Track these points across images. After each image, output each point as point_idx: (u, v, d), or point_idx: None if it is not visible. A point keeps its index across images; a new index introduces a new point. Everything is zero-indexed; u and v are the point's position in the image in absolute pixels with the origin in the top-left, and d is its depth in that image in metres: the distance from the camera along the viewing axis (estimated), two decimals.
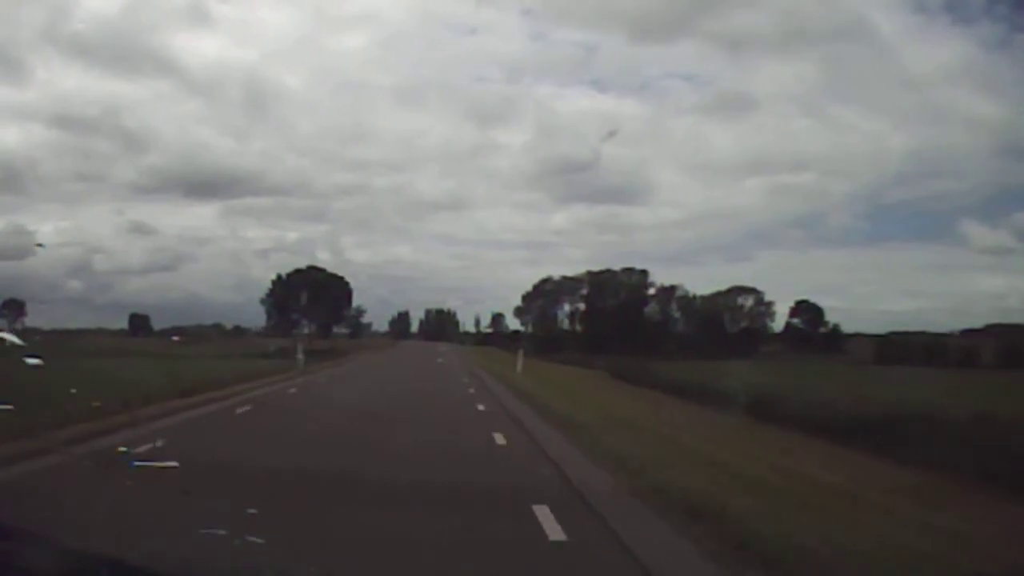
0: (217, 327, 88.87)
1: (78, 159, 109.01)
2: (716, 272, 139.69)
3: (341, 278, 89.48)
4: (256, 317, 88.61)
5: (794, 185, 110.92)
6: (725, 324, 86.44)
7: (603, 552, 5.65)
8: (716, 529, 5.84)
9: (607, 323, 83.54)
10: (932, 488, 9.17)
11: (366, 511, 6.38)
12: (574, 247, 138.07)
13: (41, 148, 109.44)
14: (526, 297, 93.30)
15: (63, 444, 8.54)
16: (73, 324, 75.66)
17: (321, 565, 4.81)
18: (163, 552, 3.56)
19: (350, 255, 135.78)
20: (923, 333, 73.29)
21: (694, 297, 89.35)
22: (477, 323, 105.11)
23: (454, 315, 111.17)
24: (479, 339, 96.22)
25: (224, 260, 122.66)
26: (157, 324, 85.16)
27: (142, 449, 7.27)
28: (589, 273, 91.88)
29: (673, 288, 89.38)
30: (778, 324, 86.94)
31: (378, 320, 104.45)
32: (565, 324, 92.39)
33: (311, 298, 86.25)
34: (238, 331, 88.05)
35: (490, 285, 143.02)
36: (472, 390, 23.41)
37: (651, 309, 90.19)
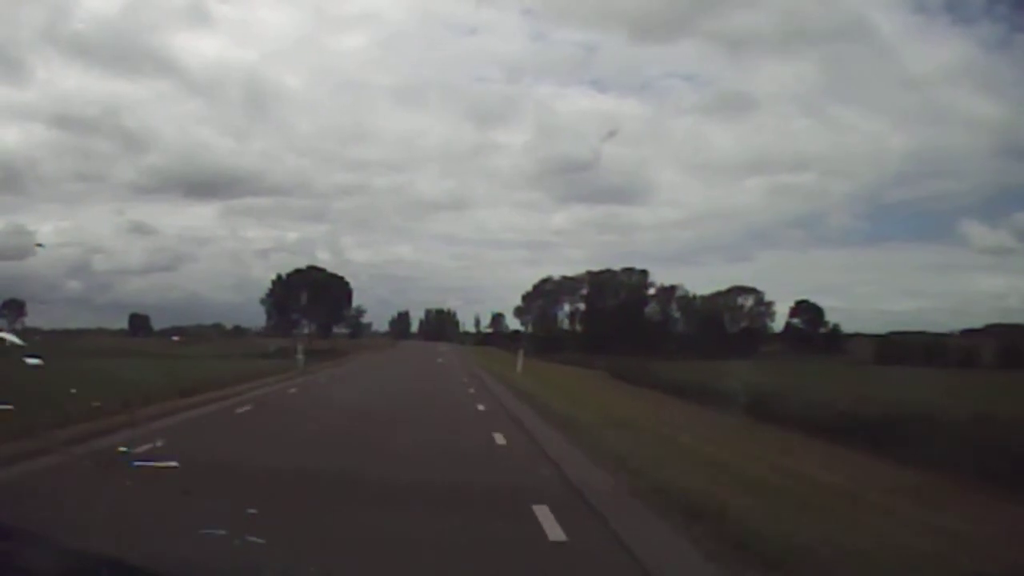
0: (217, 327, 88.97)
1: (78, 159, 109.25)
2: (716, 272, 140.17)
3: (341, 278, 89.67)
4: (256, 317, 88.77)
5: (794, 185, 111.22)
6: (725, 324, 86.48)
7: (603, 552, 5.65)
8: (715, 529, 5.84)
9: (607, 323, 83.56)
10: (932, 488, 9.18)
11: (366, 511, 6.37)
12: (574, 247, 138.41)
13: (41, 148, 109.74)
14: (526, 297, 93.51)
15: (63, 444, 8.54)
16: (73, 324, 75.76)
17: (321, 565, 4.81)
18: (163, 552, 3.56)
19: (350, 255, 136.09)
20: (923, 333, 73.37)
21: (694, 297, 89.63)
22: (477, 323, 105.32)
23: (454, 315, 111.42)
24: (479, 339, 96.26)
25: (224, 260, 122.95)
26: (157, 324, 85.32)
27: (141, 449, 7.26)
28: (589, 273, 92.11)
29: (673, 288, 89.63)
30: (778, 324, 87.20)
31: (378, 320, 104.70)
32: (565, 324, 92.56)
33: (311, 298, 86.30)
34: (238, 331, 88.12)
35: (490, 285, 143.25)
36: (472, 390, 23.25)
37: (651, 309, 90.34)
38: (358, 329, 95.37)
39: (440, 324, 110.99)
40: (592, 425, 13.04)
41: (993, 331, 69.34)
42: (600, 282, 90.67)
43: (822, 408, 16.04)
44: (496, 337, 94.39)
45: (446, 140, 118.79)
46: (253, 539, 3.60)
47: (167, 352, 43.35)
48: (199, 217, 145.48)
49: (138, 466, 5.70)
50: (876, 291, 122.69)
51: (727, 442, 12.07)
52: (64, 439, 8.94)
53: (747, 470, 8.98)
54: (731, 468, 9.01)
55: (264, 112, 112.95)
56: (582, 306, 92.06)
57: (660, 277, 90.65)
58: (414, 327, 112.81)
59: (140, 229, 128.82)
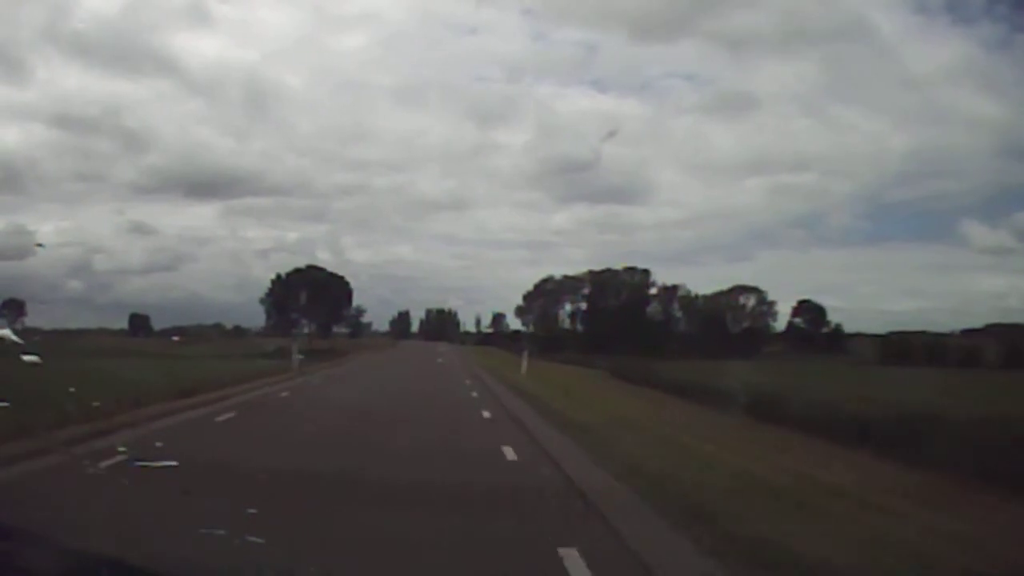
0: (217, 327, 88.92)
1: (78, 159, 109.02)
2: (717, 272, 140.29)
3: (341, 277, 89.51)
4: (256, 317, 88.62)
5: (795, 185, 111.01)
6: (727, 324, 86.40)
7: None
8: (764, 559, 5.34)
9: (609, 323, 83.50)
10: (945, 489, 9.13)
11: (359, 531, 5.81)
12: (574, 247, 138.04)
13: (41, 148, 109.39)
14: (527, 297, 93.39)
15: (62, 444, 8.54)
16: (73, 324, 75.63)
17: (321, 566, 4.81)
18: (163, 552, 3.56)
19: (350, 255, 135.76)
20: (923, 333, 73.33)
21: (696, 297, 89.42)
22: (478, 323, 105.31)
23: (455, 315, 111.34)
24: (479, 339, 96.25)
25: (224, 260, 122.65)
26: (157, 324, 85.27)
27: (114, 460, 7.16)
28: (591, 272, 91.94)
29: (675, 288, 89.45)
30: (780, 324, 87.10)
31: (378, 320, 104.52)
32: (566, 324, 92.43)
33: (311, 298, 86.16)
34: (238, 331, 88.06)
35: (491, 285, 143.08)
36: (475, 394, 22.11)
37: (653, 309, 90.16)
38: (358, 329, 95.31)
39: (441, 324, 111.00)
40: (598, 426, 12.72)
41: (993, 331, 69.35)
42: (602, 281, 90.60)
43: (830, 410, 15.87)
44: (496, 337, 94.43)
45: (446, 140, 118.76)
46: (253, 539, 3.60)
47: (165, 352, 43.22)
48: (199, 217, 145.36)
49: (107, 468, 5.68)
50: (876, 291, 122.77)
51: (765, 454, 10.99)
52: (63, 438, 8.95)
53: (797, 494, 7.69)
54: (768, 485, 8.13)
55: (264, 112, 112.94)
56: (583, 306, 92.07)
57: (661, 277, 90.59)
58: (415, 327, 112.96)
59: (140, 229, 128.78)
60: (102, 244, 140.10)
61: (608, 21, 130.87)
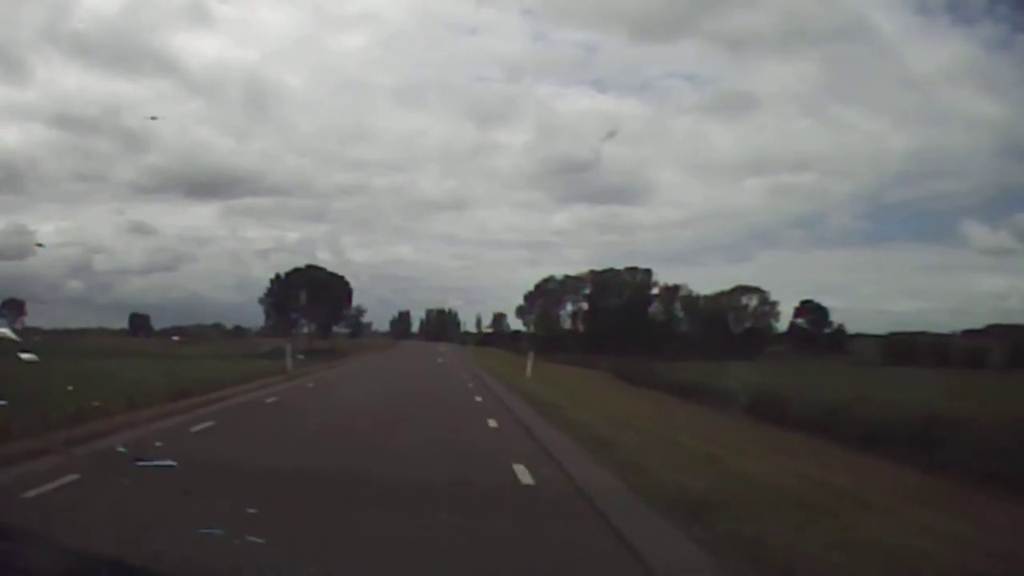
0: (217, 327, 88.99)
1: (78, 159, 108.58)
2: (717, 272, 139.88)
3: (341, 277, 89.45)
4: (257, 317, 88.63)
5: (795, 185, 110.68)
6: (729, 324, 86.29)
7: None
8: None
9: (610, 323, 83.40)
10: (959, 492, 9.09)
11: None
12: (575, 247, 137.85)
13: (41, 148, 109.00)
14: (528, 297, 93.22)
15: (62, 443, 8.55)
16: (73, 324, 75.74)
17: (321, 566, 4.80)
18: (163, 552, 3.56)
19: (351, 255, 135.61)
20: (924, 333, 73.25)
21: (698, 297, 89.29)
22: (478, 323, 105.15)
23: (455, 315, 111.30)
24: (480, 339, 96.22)
25: (224, 260, 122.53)
26: (157, 324, 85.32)
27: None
28: (592, 272, 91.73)
29: (677, 288, 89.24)
30: (782, 324, 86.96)
31: (379, 320, 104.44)
32: (567, 324, 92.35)
33: (310, 298, 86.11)
34: (238, 331, 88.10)
35: (491, 285, 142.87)
36: (479, 398, 20.55)
37: (655, 309, 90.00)
38: (358, 329, 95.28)
39: (441, 324, 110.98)
40: (622, 438, 11.38)
41: (994, 332, 69.32)
42: (603, 281, 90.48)
43: (840, 413, 15.78)
44: (496, 337, 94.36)
45: (446, 140, 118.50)
46: (253, 539, 3.61)
47: (165, 352, 43.21)
48: (199, 217, 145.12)
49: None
50: (877, 291, 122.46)
51: (807, 469, 9.85)
52: (63, 438, 8.96)
53: (867, 528, 6.54)
54: (826, 510, 7.11)
55: (264, 112, 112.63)
56: (585, 306, 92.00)
57: (661, 277, 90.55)
58: (415, 327, 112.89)
59: (140, 229, 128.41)
60: (102, 244, 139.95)
61: (608, 21, 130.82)
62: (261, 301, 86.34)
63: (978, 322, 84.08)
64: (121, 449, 7.92)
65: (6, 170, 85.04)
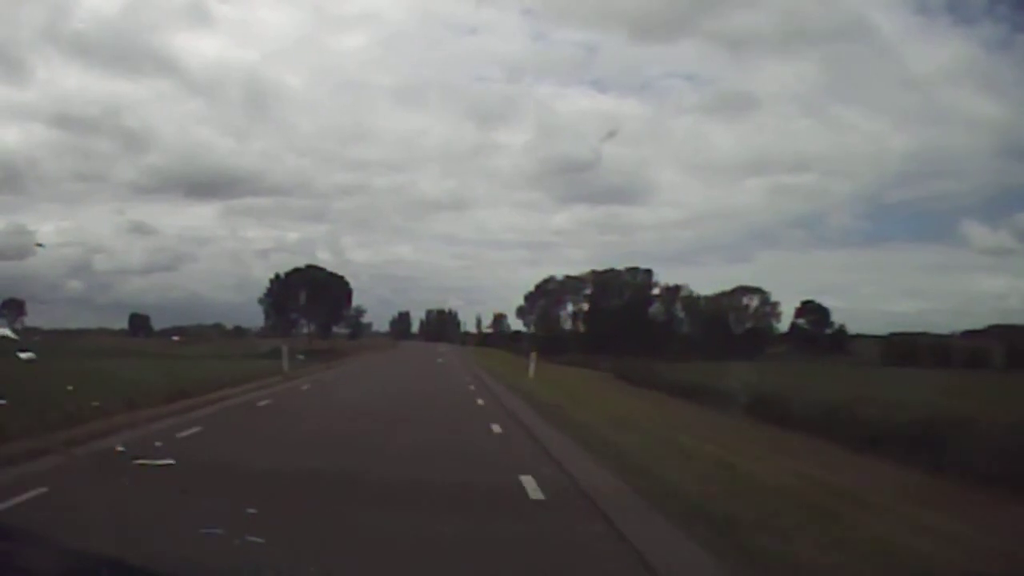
0: (217, 327, 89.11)
1: (78, 159, 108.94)
2: (717, 272, 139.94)
3: (341, 277, 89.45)
4: (257, 317, 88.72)
5: (795, 185, 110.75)
6: (730, 325, 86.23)
7: None
8: None
9: (611, 323, 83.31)
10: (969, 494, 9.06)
11: None
12: (575, 247, 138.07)
13: (41, 148, 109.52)
14: (528, 297, 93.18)
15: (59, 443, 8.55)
16: (74, 324, 75.98)
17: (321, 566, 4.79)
18: (163, 552, 3.56)
19: (351, 255, 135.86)
20: (924, 334, 73.24)
21: (699, 297, 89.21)
22: (479, 323, 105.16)
23: (455, 315, 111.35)
24: (480, 339, 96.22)
25: (224, 260, 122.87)
26: (157, 324, 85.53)
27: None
28: (593, 272, 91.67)
29: (678, 288, 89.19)
30: (783, 325, 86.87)
31: (379, 320, 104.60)
32: (568, 324, 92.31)
33: (310, 298, 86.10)
34: (238, 331, 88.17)
35: (491, 285, 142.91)
36: (481, 401, 19.60)
37: (655, 309, 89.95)
38: (358, 329, 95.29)
39: (441, 324, 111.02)
40: (633, 446, 10.81)
41: (995, 332, 69.30)
42: (604, 282, 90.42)
43: (847, 414, 15.61)
44: (496, 337, 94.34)
45: (446, 140, 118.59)
46: (253, 539, 3.61)
47: (162, 352, 43.12)
48: (199, 217, 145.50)
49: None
50: (877, 292, 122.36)
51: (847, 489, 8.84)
52: (63, 438, 8.96)
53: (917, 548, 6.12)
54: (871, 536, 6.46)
55: (264, 112, 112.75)
56: (585, 306, 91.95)
57: (661, 277, 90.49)
58: (415, 327, 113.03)
59: (140, 229, 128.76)
60: (102, 244, 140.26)
61: (608, 21, 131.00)
62: (260, 301, 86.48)
63: (978, 322, 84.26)
64: (121, 448, 7.94)
65: (6, 170, 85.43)
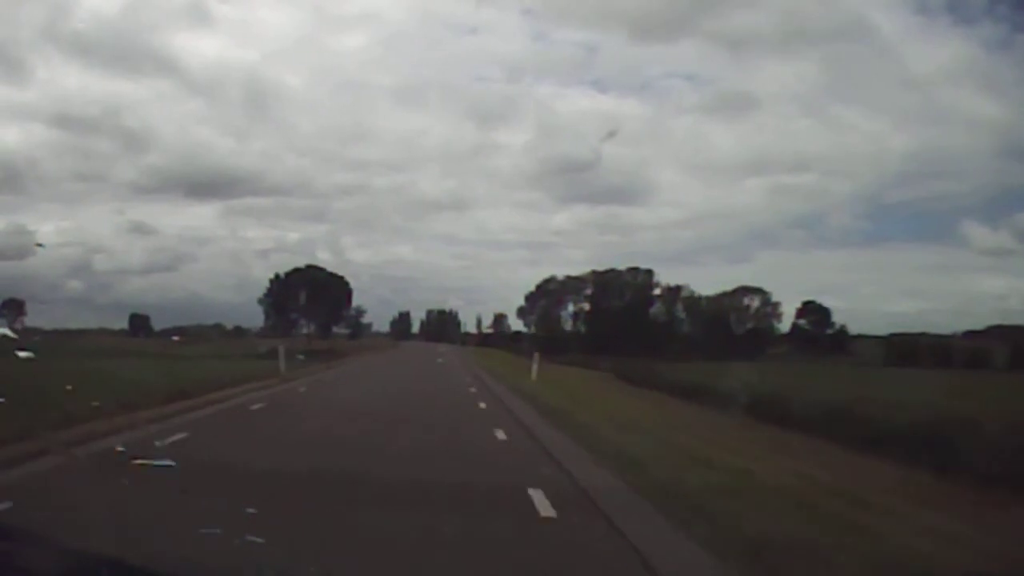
0: (217, 327, 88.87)
1: (78, 159, 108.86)
2: (717, 272, 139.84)
3: (341, 277, 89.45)
4: (257, 317, 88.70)
5: (795, 185, 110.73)
6: (731, 325, 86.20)
7: None
8: None
9: (612, 323, 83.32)
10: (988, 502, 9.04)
11: None
12: (575, 247, 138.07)
13: (41, 148, 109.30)
14: (529, 297, 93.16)
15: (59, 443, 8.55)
16: (73, 324, 75.86)
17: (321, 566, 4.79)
18: (163, 552, 3.56)
19: (351, 255, 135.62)
20: (925, 334, 73.27)
21: (700, 298, 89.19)
22: (479, 324, 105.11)
23: (456, 316, 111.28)
24: (480, 340, 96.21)
25: (224, 260, 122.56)
26: (158, 324, 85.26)
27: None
28: (594, 273, 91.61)
29: (679, 288, 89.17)
30: (784, 325, 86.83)
31: (379, 320, 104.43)
32: (568, 325, 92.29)
33: (310, 298, 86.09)
34: (238, 331, 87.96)
35: (491, 285, 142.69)
36: (483, 404, 18.68)
37: (656, 309, 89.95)
38: (358, 329, 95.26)
39: (441, 324, 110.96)
40: (646, 452, 10.31)
41: (995, 332, 69.32)
42: (605, 282, 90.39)
43: (855, 416, 15.50)
44: (496, 338, 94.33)
45: (446, 140, 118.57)
46: (253, 539, 3.60)
47: (161, 353, 42.92)
48: (199, 217, 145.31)
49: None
50: (877, 292, 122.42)
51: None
52: (63, 438, 8.96)
53: None
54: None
55: (264, 112, 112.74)
56: (586, 306, 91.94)
57: (661, 277, 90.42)
58: (415, 327, 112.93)
59: (140, 229, 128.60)
60: (102, 244, 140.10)
61: (608, 21, 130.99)
62: (260, 301, 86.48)
63: (979, 323, 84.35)
64: (120, 448, 7.92)
65: (6, 170, 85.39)
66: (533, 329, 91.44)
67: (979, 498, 9.56)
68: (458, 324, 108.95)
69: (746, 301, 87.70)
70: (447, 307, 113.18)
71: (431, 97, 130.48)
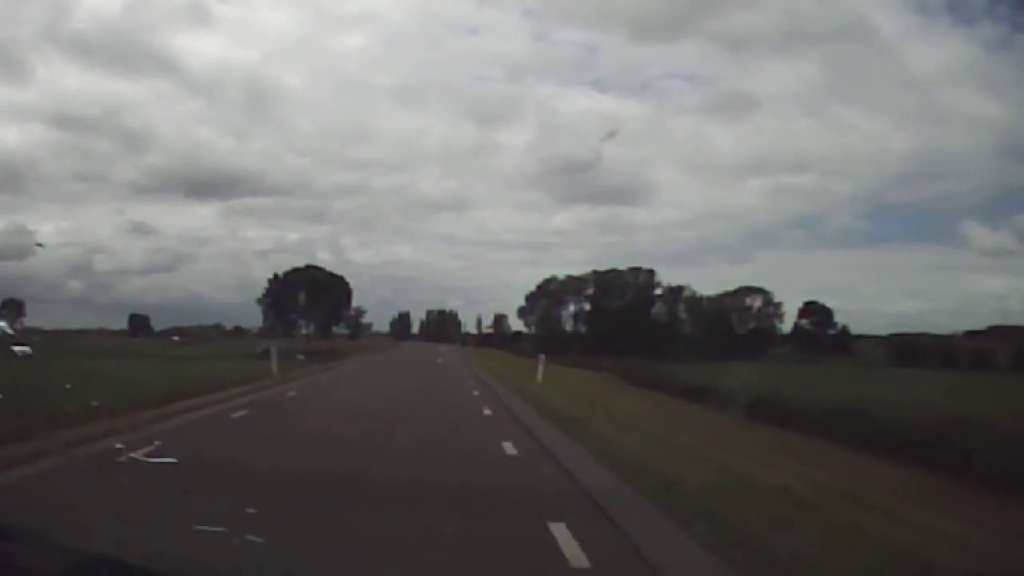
0: (217, 328, 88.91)
1: (78, 159, 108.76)
2: (717, 272, 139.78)
3: (340, 277, 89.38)
4: (258, 317, 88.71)
5: (795, 185, 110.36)
6: (733, 325, 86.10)
7: None
8: None
9: (613, 324, 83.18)
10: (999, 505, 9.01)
11: None
12: (575, 248, 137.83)
13: (41, 148, 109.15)
14: (529, 297, 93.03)
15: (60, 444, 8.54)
16: (73, 324, 75.88)
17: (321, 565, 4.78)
18: (163, 551, 3.55)
19: (351, 255, 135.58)
20: (925, 335, 73.22)
21: (701, 298, 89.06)
22: (479, 324, 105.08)
23: (456, 316, 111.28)
24: (480, 340, 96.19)
25: (224, 260, 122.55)
26: (158, 324, 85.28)
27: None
28: (595, 273, 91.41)
29: (680, 288, 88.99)
30: (786, 325, 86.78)
31: (379, 321, 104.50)
32: (569, 325, 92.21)
33: (310, 298, 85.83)
34: (238, 331, 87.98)
35: (491, 286, 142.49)
36: (488, 411, 17.13)
37: (658, 310, 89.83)
38: (358, 330, 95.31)
39: (441, 325, 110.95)
40: (653, 460, 9.50)
41: (996, 333, 69.27)
42: (606, 282, 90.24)
43: (864, 419, 15.40)
44: (496, 338, 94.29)
45: (447, 140, 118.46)
46: (253, 538, 3.60)
47: (159, 353, 42.86)
48: (199, 217, 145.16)
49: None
50: (877, 292, 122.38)
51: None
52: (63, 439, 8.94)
53: None
54: None
55: (264, 112, 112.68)
56: (587, 306, 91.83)
57: (662, 278, 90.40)
58: (415, 328, 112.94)
59: (140, 229, 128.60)
60: (102, 244, 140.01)
61: (608, 21, 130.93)
62: (259, 301, 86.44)
63: (979, 323, 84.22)
64: (120, 447, 7.89)
65: (6, 170, 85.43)
66: (533, 329, 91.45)
67: (982, 499, 9.56)
68: (458, 324, 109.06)
69: (748, 301, 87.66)
70: (447, 307, 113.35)
71: (431, 97, 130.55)
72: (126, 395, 13.32)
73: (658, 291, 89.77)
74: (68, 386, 11.57)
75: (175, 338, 69.56)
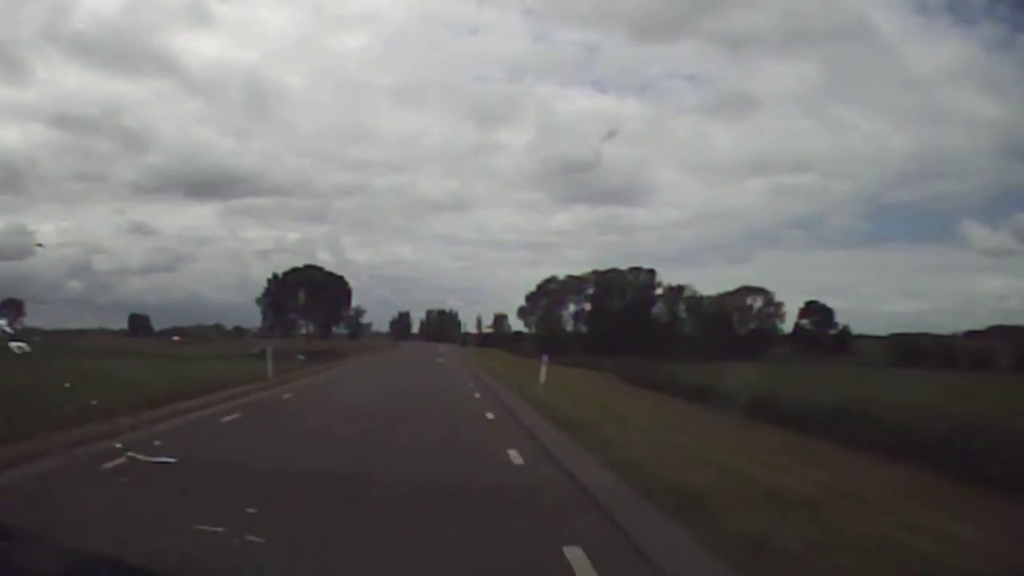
0: (217, 328, 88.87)
1: (78, 159, 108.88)
2: (717, 272, 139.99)
3: (340, 277, 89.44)
4: (258, 317, 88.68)
5: (795, 185, 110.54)
6: (734, 325, 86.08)
7: None
8: None
9: (613, 324, 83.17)
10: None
11: None
12: (575, 248, 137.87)
13: (41, 148, 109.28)
14: (530, 297, 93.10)
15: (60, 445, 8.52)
16: (73, 324, 75.64)
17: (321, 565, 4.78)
18: (163, 551, 3.55)
19: (351, 255, 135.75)
20: (925, 335, 73.21)
21: (702, 298, 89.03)
22: (479, 324, 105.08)
23: (456, 316, 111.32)
24: (480, 340, 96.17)
25: (224, 260, 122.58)
26: (157, 324, 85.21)
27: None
28: (595, 273, 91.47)
29: (681, 288, 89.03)
30: (787, 325, 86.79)
31: (379, 320, 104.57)
32: (569, 325, 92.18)
33: (309, 298, 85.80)
34: (238, 331, 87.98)
35: (491, 286, 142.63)
36: (491, 415, 16.31)
37: (658, 310, 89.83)
38: (358, 330, 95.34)
39: (441, 325, 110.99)
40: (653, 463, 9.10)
41: (996, 333, 69.28)
42: (606, 282, 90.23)
43: (871, 421, 15.34)
44: (496, 338, 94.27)
45: (447, 140, 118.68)
46: (253, 538, 3.60)
47: (158, 353, 42.66)
48: (199, 217, 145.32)
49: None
50: (877, 292, 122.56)
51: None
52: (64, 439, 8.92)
53: None
54: None
55: (264, 112, 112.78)
56: (587, 306, 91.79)
57: (662, 277, 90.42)
58: (415, 328, 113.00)
59: (140, 229, 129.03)
60: (102, 244, 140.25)
61: (609, 21, 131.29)
62: (258, 301, 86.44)
63: (979, 323, 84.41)
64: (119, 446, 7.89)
65: (6, 170, 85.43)
66: (534, 329, 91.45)
67: (983, 499, 9.55)
68: (458, 324, 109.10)
69: (748, 301, 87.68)
70: (447, 307, 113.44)
71: (431, 97, 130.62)
72: (125, 395, 13.23)
73: (658, 291, 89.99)
74: (67, 385, 11.60)
75: (175, 338, 69.55)
